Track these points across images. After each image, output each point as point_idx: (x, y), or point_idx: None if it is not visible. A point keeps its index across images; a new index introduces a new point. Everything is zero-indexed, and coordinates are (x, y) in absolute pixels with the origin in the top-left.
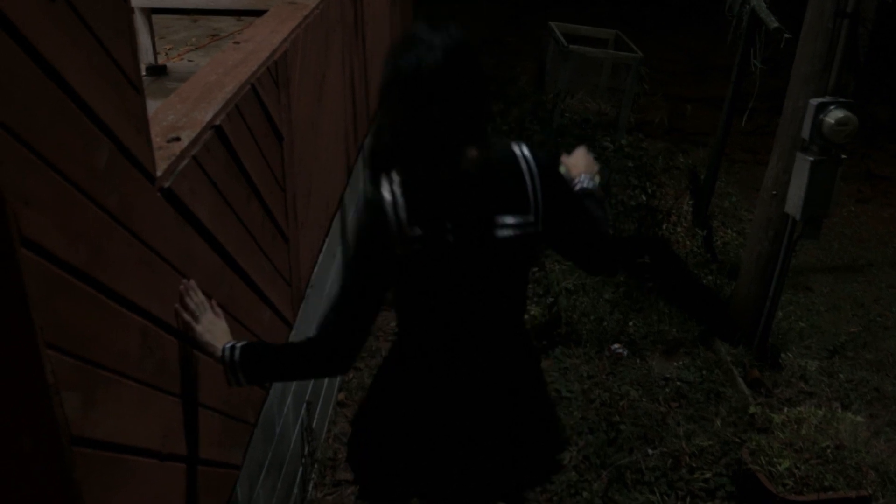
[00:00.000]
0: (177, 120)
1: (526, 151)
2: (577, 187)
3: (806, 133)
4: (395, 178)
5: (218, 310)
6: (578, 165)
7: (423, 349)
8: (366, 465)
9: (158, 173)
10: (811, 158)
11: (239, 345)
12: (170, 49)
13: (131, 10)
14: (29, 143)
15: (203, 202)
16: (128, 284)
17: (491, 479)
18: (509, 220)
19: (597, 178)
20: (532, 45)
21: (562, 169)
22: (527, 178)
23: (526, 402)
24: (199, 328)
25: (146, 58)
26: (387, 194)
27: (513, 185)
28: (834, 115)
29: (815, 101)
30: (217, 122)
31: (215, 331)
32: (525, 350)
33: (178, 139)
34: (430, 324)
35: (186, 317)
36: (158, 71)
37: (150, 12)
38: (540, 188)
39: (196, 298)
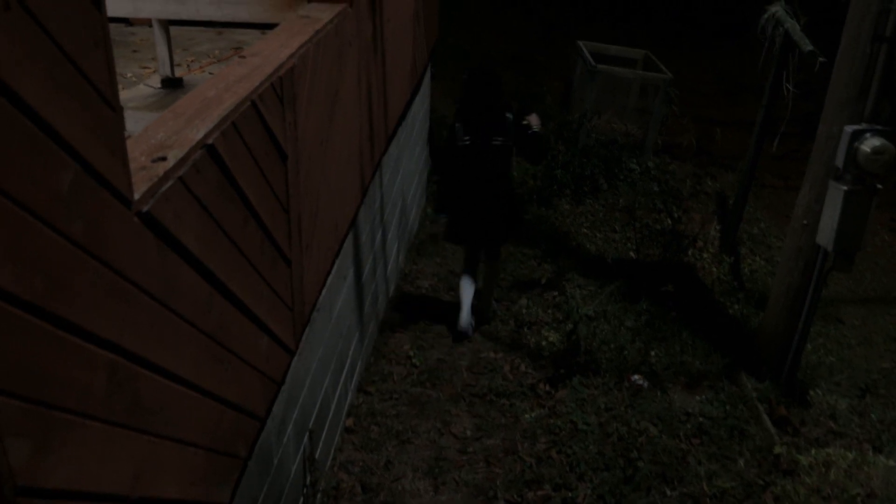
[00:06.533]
0: (166, 138)
1: (509, 115)
2: (536, 129)
3: (840, 161)
4: (462, 120)
5: None
6: (534, 121)
7: (466, 186)
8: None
9: (136, 196)
10: (845, 188)
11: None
12: (192, 61)
13: (106, 21)
14: None
15: (189, 226)
16: (95, 317)
17: (491, 236)
18: (499, 138)
19: (540, 127)
20: (561, 64)
21: (526, 121)
22: (508, 124)
23: (506, 206)
24: None
25: (163, 70)
26: (458, 125)
27: (502, 125)
28: (870, 144)
29: (850, 128)
30: (209, 141)
31: None
32: (509, 184)
33: (163, 159)
34: (468, 176)
35: None
36: (174, 84)
37: (167, 24)
38: (513, 127)
39: None
